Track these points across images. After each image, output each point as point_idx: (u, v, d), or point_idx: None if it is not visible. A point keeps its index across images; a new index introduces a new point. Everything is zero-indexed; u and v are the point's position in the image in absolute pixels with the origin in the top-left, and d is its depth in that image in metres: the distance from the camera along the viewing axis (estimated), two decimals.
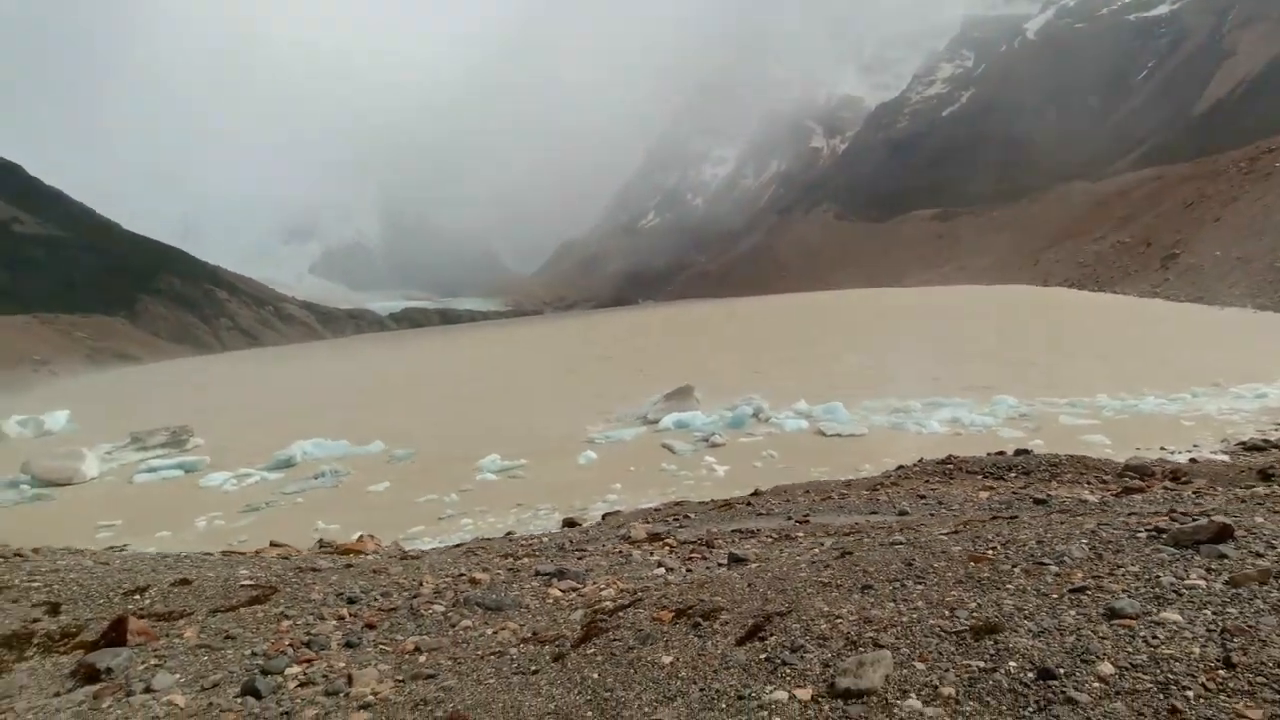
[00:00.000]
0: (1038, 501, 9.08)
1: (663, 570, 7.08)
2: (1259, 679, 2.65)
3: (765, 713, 3.12)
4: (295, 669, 5.15)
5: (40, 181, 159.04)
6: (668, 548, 8.37)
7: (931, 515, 8.67)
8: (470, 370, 54.31)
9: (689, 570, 6.84)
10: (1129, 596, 3.31)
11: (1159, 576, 3.44)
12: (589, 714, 3.44)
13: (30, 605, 6.81)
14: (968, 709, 2.85)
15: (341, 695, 4.62)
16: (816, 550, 5.96)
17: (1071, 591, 3.48)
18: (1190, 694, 2.70)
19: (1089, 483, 11.01)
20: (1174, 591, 3.30)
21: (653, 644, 4.03)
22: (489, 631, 5.53)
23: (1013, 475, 11.88)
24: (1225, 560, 3.49)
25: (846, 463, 17.06)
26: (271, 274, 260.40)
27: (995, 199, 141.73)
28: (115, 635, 5.88)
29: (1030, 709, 2.75)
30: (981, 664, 3.07)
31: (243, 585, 7.26)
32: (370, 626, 5.96)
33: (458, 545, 10.85)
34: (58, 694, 5.01)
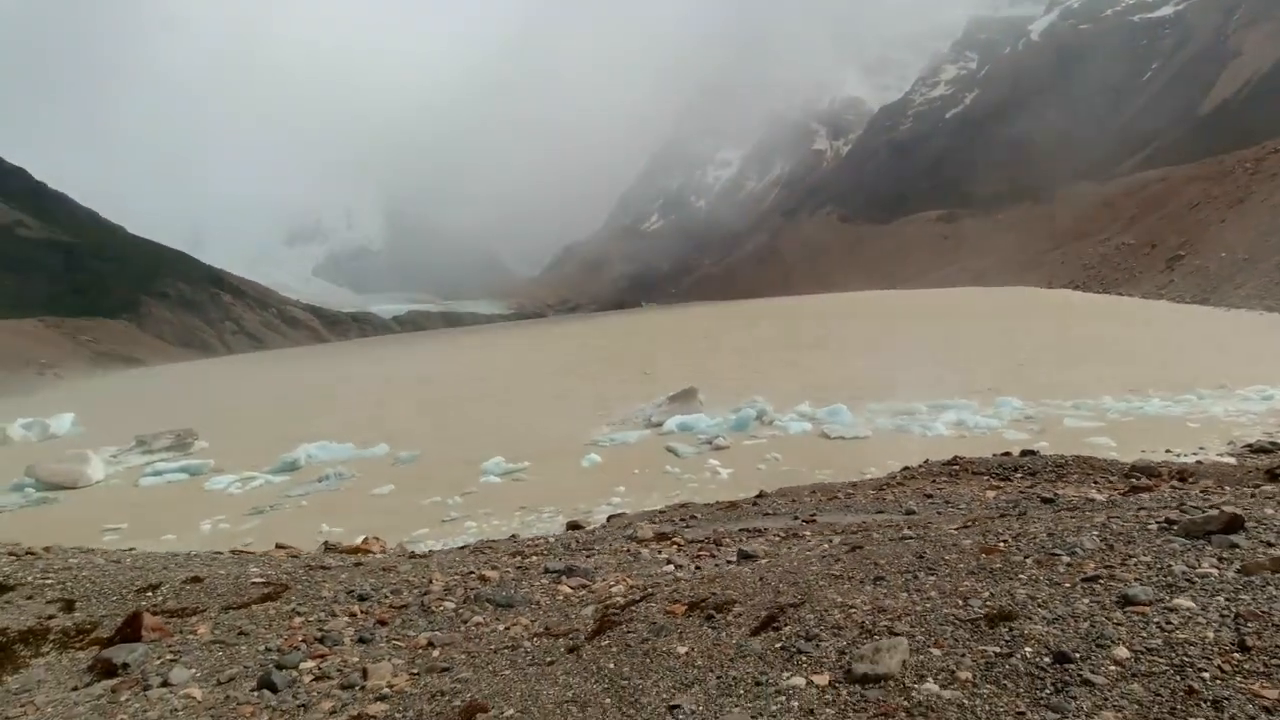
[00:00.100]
0: (1045, 500, 9.08)
1: (672, 567, 7.11)
2: (1274, 661, 2.70)
3: (783, 697, 3.16)
4: (310, 664, 5.20)
5: (45, 185, 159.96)
6: (675, 546, 8.38)
7: (939, 514, 8.69)
8: (473, 373, 54.40)
9: (698, 567, 6.87)
10: (1142, 584, 3.35)
11: (1171, 565, 3.48)
12: (607, 701, 3.47)
13: (45, 602, 6.88)
14: (985, 691, 2.89)
15: (357, 689, 4.66)
16: (826, 546, 5.98)
17: (1084, 580, 3.52)
18: (1206, 676, 2.74)
19: (1095, 483, 10.99)
20: (1186, 579, 3.35)
21: (667, 635, 4.07)
22: (501, 627, 5.57)
23: (1019, 475, 11.88)
24: (1237, 549, 3.54)
25: (850, 465, 17.05)
26: (276, 277, 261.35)
27: (999, 201, 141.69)
28: (130, 631, 5.94)
29: (1048, 691, 2.80)
30: (997, 649, 3.11)
31: (254, 583, 7.32)
32: (382, 623, 6.01)
33: (463, 546, 10.89)
34: (75, 688, 5.06)
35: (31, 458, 25.24)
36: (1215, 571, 3.37)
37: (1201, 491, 7.04)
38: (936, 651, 3.22)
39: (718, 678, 3.45)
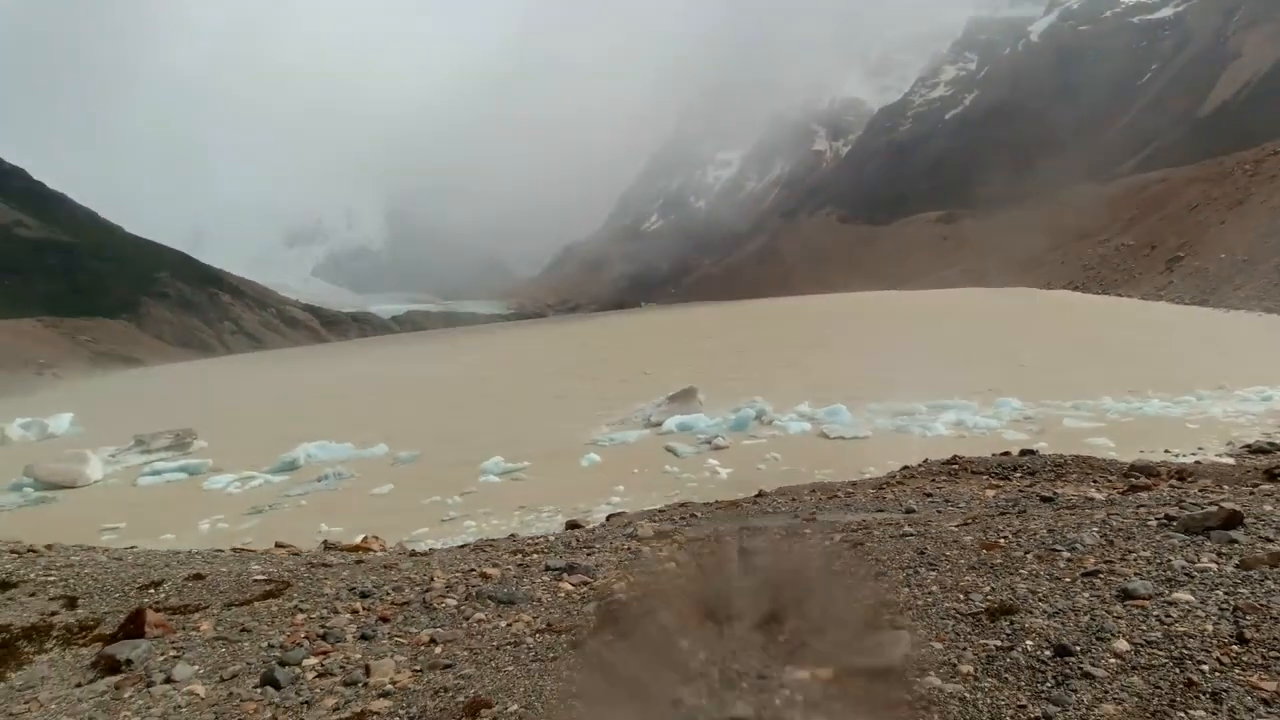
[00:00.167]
0: (1044, 499, 9.09)
1: (673, 565, 7.12)
2: (1272, 653, 2.72)
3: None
4: (312, 660, 5.22)
5: (44, 185, 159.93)
6: (676, 545, 8.40)
7: (939, 512, 8.70)
8: (473, 372, 54.39)
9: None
10: (1141, 579, 3.38)
11: (1170, 560, 3.51)
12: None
13: (47, 599, 6.90)
14: (986, 685, 2.91)
15: (360, 685, 4.68)
16: (827, 543, 6.00)
17: (1084, 575, 3.54)
18: (1205, 668, 2.77)
19: (1095, 482, 11.00)
20: (1185, 574, 3.38)
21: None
22: (503, 624, 5.59)
23: (1018, 475, 11.89)
24: (1235, 545, 3.56)
25: (850, 465, 17.04)
26: (275, 277, 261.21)
27: (999, 201, 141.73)
28: (133, 628, 5.96)
29: (1049, 683, 2.82)
30: (998, 643, 3.13)
31: (255, 580, 7.34)
32: (384, 620, 6.02)
33: (463, 545, 10.91)
34: (79, 684, 5.08)
35: (30, 457, 25.22)
36: (1214, 566, 3.40)
37: (1200, 490, 7.07)
38: (938, 645, 3.24)
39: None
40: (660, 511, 11.89)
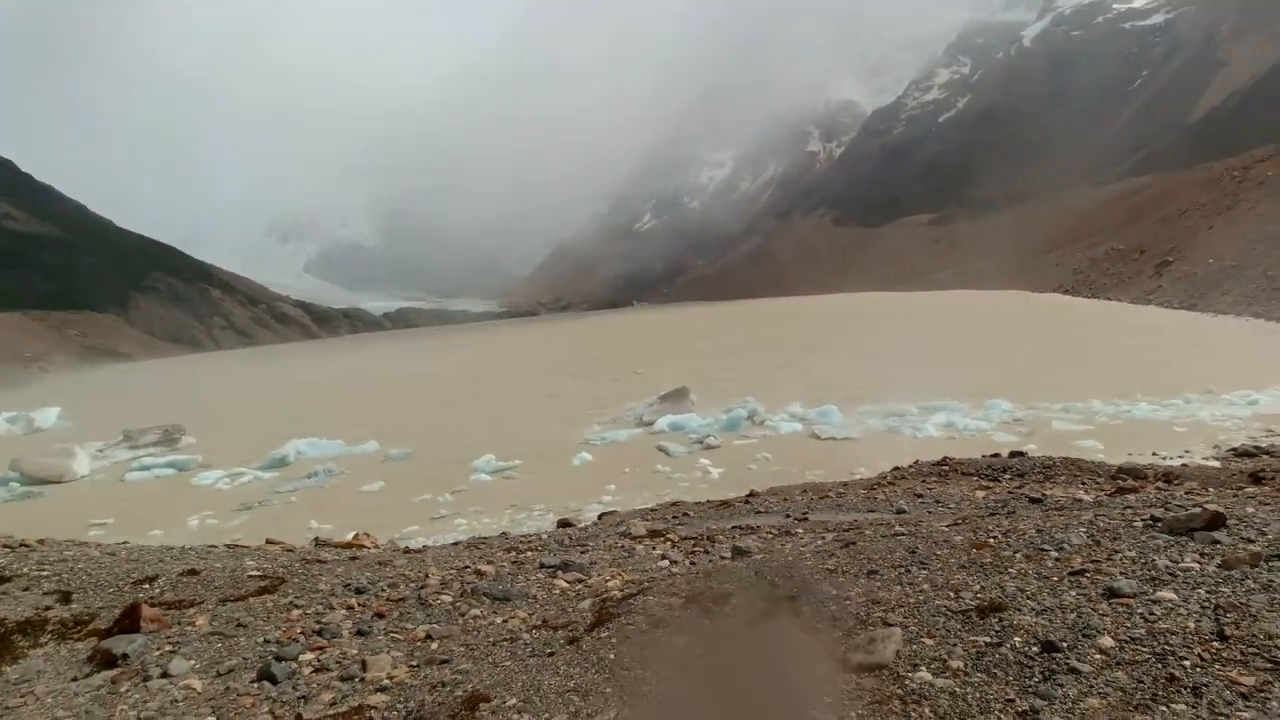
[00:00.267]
0: (1033, 500, 9.21)
1: (666, 563, 7.18)
2: (1251, 650, 2.83)
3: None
4: (309, 655, 5.25)
5: (32, 177, 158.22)
6: (669, 543, 8.45)
7: (929, 512, 8.80)
8: (465, 370, 54.30)
9: (693, 563, 6.94)
10: (1126, 578, 3.48)
11: (1155, 560, 3.61)
12: (609, 690, 3.55)
13: (41, 593, 6.88)
14: (976, 679, 2.99)
15: (357, 680, 4.71)
16: (819, 543, 6.08)
17: (1071, 574, 3.64)
18: (1187, 663, 2.87)
19: (1083, 484, 11.14)
20: (1169, 573, 3.48)
21: (665, 628, 4.15)
22: (498, 620, 5.63)
23: (1008, 476, 12.03)
24: (1218, 545, 3.67)
25: (841, 466, 17.15)
26: (266, 273, 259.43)
27: (991, 205, 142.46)
28: (129, 622, 5.97)
29: (1036, 678, 2.91)
30: (987, 639, 3.22)
31: (250, 576, 7.35)
32: (380, 616, 6.06)
33: (456, 543, 10.94)
34: (75, 679, 5.08)
35: (16, 451, 25.02)
36: (1197, 566, 3.50)
37: (1186, 492, 7.19)
38: (929, 641, 3.32)
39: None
40: (652, 510, 11.97)
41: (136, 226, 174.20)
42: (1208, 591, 3.27)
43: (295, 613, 6.22)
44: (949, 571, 4.03)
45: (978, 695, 2.93)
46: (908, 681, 3.08)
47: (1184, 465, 13.13)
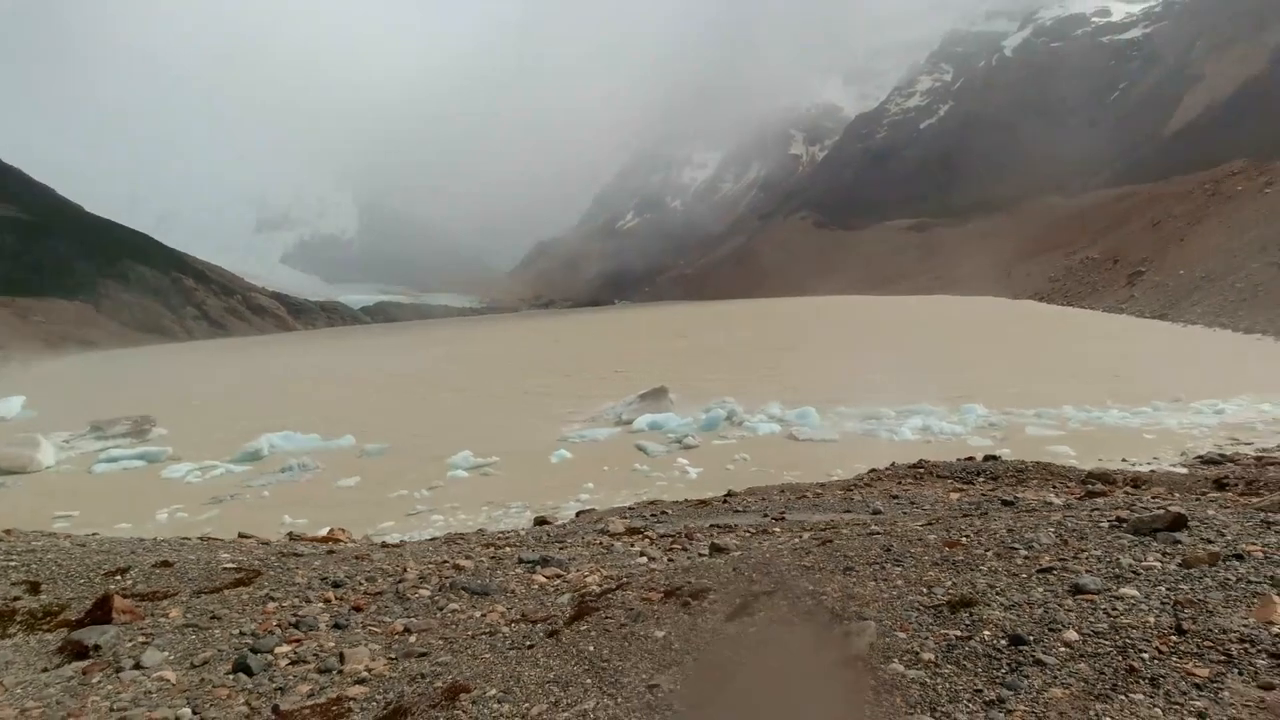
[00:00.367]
0: (1005, 503, 9.39)
1: (645, 559, 7.23)
2: (1206, 643, 2.99)
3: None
4: (285, 648, 5.22)
5: None
6: (648, 540, 8.51)
7: (904, 513, 8.94)
8: (444, 366, 53.96)
9: (671, 560, 7.00)
10: (1092, 575, 3.63)
11: (1119, 559, 3.76)
12: (588, 681, 3.59)
13: (9, 584, 6.76)
14: (946, 671, 3.10)
15: (334, 672, 4.71)
16: (796, 541, 6.17)
17: (1040, 571, 3.77)
18: (1146, 656, 3.02)
19: (1054, 488, 11.36)
20: (1132, 571, 3.64)
21: (644, 621, 4.21)
22: (477, 614, 5.65)
23: (981, 479, 12.23)
24: (1179, 545, 3.82)
25: (818, 467, 17.29)
26: (242, 264, 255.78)
27: (971, 211, 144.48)
28: (100, 613, 5.90)
29: (1003, 670, 3.03)
30: (958, 633, 3.33)
31: (225, 568, 7.28)
32: (357, 609, 6.04)
33: (434, 539, 10.90)
34: (45, 669, 5.02)
35: None
36: (1159, 564, 3.65)
37: (1152, 497, 7.40)
38: (902, 635, 3.42)
39: (695, 659, 3.60)
40: (630, 509, 12.00)
41: (107, 212, 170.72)
42: (1168, 588, 3.43)
43: (271, 605, 6.18)
44: (922, 568, 4.14)
45: (947, 686, 3.04)
46: (880, 672, 3.17)
47: (1152, 471, 13.42)
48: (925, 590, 3.84)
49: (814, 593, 4.04)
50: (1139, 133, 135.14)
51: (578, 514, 12.69)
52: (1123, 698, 2.82)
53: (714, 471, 18.12)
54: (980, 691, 2.99)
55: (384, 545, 9.80)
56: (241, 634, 5.52)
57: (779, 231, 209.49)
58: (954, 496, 10.60)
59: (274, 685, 4.60)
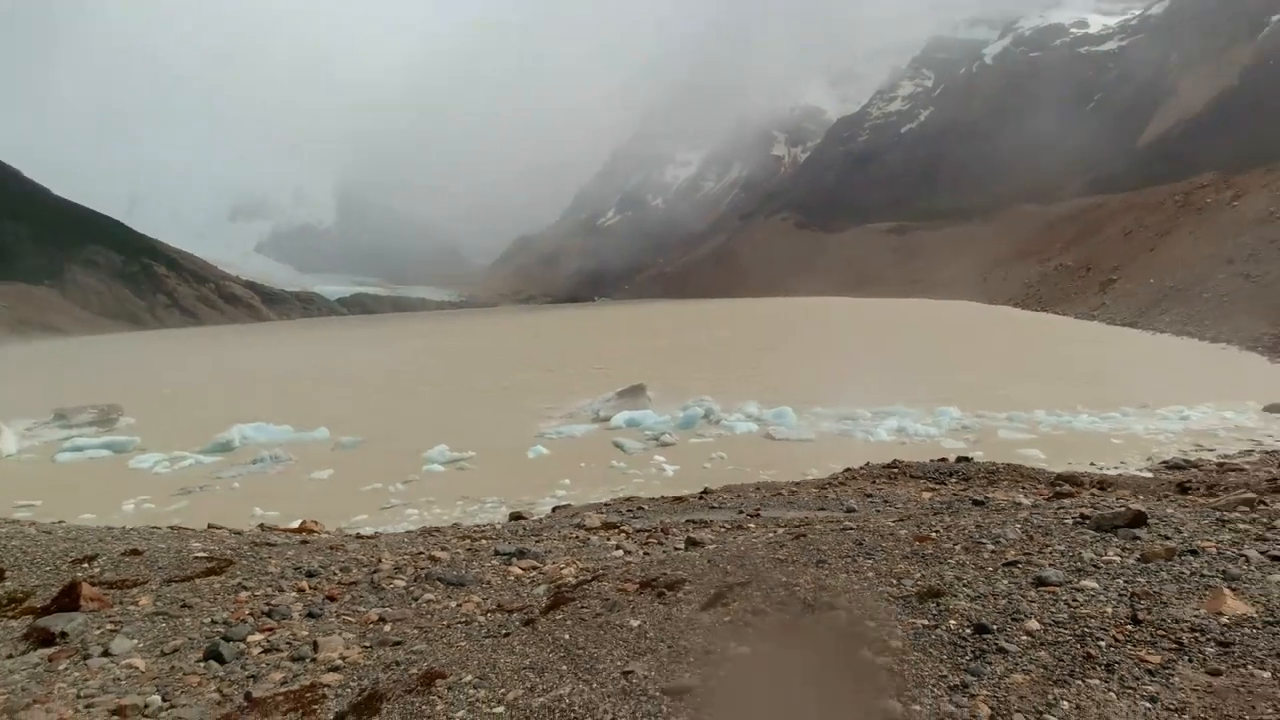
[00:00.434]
0: (976, 502, 9.58)
1: (621, 553, 7.28)
2: (1160, 632, 3.17)
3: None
4: (258, 636, 5.20)
5: None
6: (624, 534, 8.56)
7: (878, 511, 9.09)
8: (421, 359, 53.56)
9: (647, 553, 7.06)
10: (1055, 568, 3.79)
11: (1081, 553, 3.92)
12: (564, 668, 3.63)
13: None
14: (913, 658, 3.20)
15: (308, 660, 4.70)
16: (771, 535, 6.26)
17: (1005, 565, 3.91)
18: (1103, 644, 3.18)
19: (1024, 489, 11.61)
20: (1093, 564, 3.82)
21: (620, 611, 4.26)
22: (453, 604, 5.66)
23: (954, 480, 12.45)
24: (1138, 540, 3.99)
25: (794, 466, 17.42)
26: (215, 251, 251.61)
27: (949, 217, 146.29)
28: (68, 600, 5.82)
29: (968, 657, 3.15)
30: (925, 622, 3.44)
31: (196, 557, 7.20)
32: (331, 599, 6.02)
33: (409, 531, 10.86)
34: (10, 656, 4.94)
35: None
36: (1118, 558, 3.80)
37: (1117, 498, 7.61)
38: (871, 624, 3.52)
39: (669, 647, 3.66)
40: (607, 505, 12.04)
41: (75, 196, 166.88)
42: (1126, 581, 3.60)
43: (244, 594, 6.14)
44: (893, 561, 4.25)
45: (914, 672, 3.14)
46: (849, 660, 3.26)
47: (1119, 475, 13.74)
48: (895, 582, 3.95)
49: (787, 584, 4.12)
50: (1113, 143, 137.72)
51: (554, 509, 12.69)
52: (1079, 683, 2.96)
53: (691, 469, 18.20)
54: (945, 677, 3.10)
55: (359, 537, 9.75)
56: (213, 622, 5.48)
57: (760, 231, 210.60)
58: (926, 496, 10.79)
59: (246, 673, 4.58)
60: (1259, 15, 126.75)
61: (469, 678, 3.68)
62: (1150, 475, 14.17)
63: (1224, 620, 3.19)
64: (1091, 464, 16.52)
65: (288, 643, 5.08)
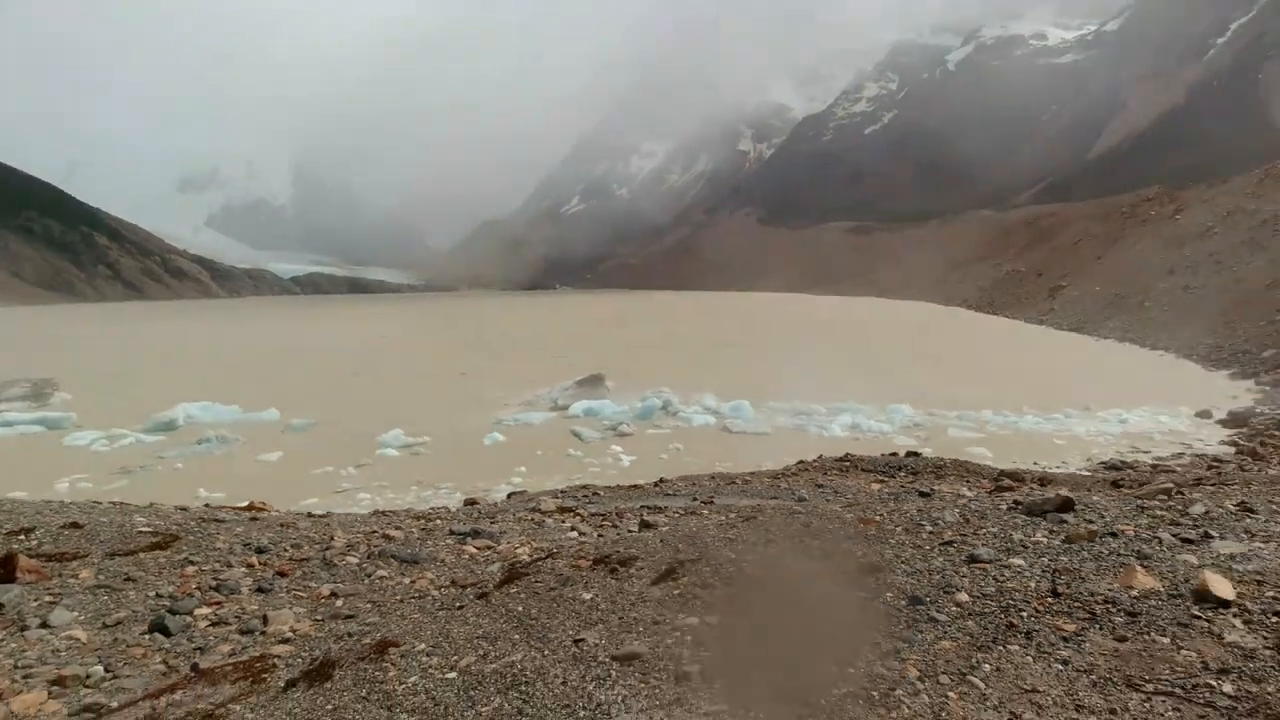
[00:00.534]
0: (922, 494, 9.88)
1: (576, 534, 7.37)
2: (1076, 604, 3.47)
3: (679, 633, 3.52)
4: (205, 610, 5.16)
5: None
6: (579, 517, 8.66)
7: (828, 500, 9.35)
8: (377, 342, 52.63)
9: (601, 534, 7.17)
10: (987, 548, 4.08)
11: (1012, 534, 4.20)
12: (516, 637, 3.71)
13: None
14: (851, 627, 3.39)
15: (257, 633, 4.69)
16: (723, 519, 6.43)
17: (942, 544, 4.15)
18: (1024, 614, 3.47)
19: (969, 483, 12.02)
20: (1022, 545, 4.12)
21: (573, 585, 4.35)
22: (406, 580, 5.68)
23: (902, 474, 12.85)
24: (1065, 524, 4.29)
25: (749, 458, 17.63)
26: (162, 223, 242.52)
27: (909, 218, 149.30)
28: (3, 572, 5.69)
29: (901, 626, 3.36)
30: (865, 594, 3.62)
31: (140, 531, 7.07)
32: (282, 574, 5.99)
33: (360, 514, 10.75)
34: None
35: None
36: (1045, 539, 4.08)
37: (1055, 494, 7.98)
38: (813, 596, 3.69)
39: (620, 618, 3.77)
40: (563, 491, 12.11)
41: (9, 159, 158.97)
42: (1050, 559, 3.89)
43: (190, 569, 6.07)
44: (837, 541, 4.44)
45: (851, 638, 3.34)
46: None
47: (1060, 473, 14.32)
48: (838, 559, 4.14)
49: (736, 561, 4.27)
50: (1066, 153, 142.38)
51: (509, 495, 12.71)
52: (1001, 648, 3.21)
53: (648, 459, 18.31)
54: (879, 644, 3.32)
55: (310, 515, 9.64)
56: (158, 596, 5.42)
57: (723, 226, 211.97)
58: (875, 487, 11.12)
59: (193, 645, 4.56)
60: (1206, 38, 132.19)
61: (422, 646, 3.74)
62: (1089, 474, 14.81)
63: (1134, 593, 3.47)
64: (1035, 463, 17.11)
65: (236, 616, 5.06)
